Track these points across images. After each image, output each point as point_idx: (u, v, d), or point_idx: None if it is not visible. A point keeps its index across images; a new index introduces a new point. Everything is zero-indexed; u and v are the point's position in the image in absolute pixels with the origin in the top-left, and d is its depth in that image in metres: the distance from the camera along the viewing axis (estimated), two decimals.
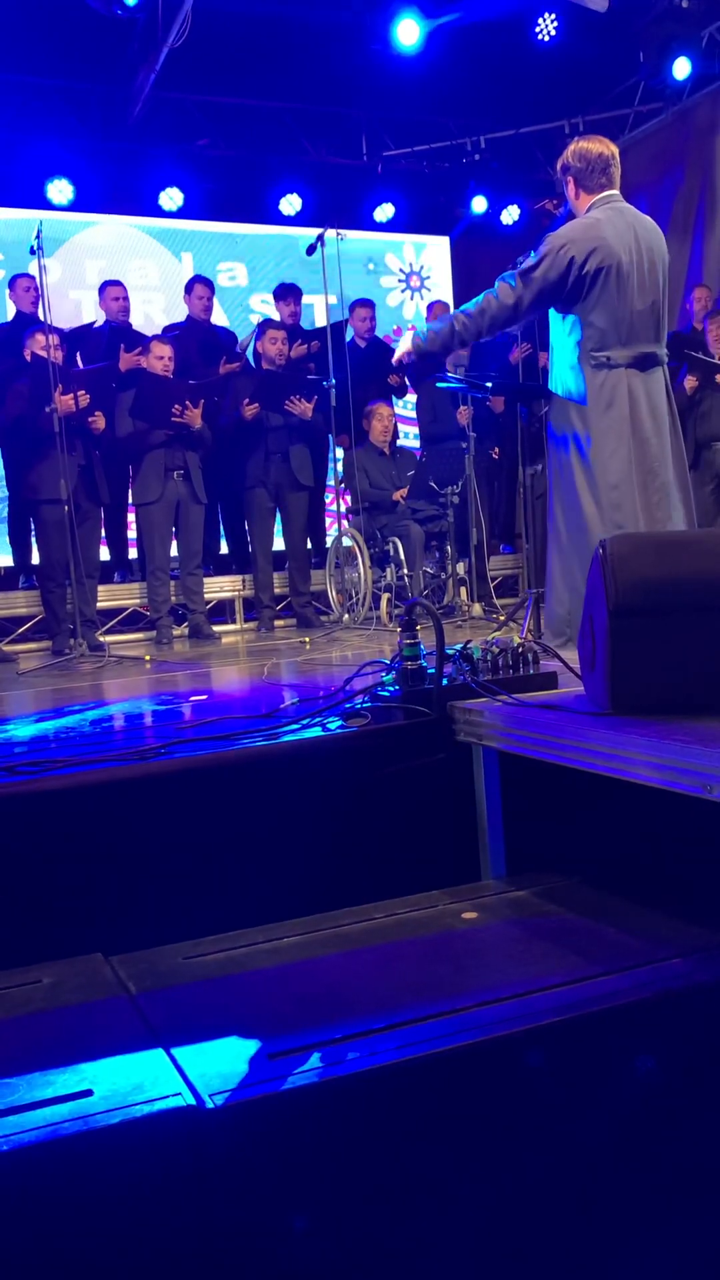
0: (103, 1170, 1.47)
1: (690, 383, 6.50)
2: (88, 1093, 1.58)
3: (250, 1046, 1.73)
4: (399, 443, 7.12)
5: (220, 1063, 1.67)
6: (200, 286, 7.03)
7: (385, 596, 6.18)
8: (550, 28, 7.16)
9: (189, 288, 7.06)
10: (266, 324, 6.80)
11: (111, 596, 6.65)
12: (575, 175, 3.75)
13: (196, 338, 6.85)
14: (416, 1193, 1.64)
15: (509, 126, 8.56)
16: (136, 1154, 1.49)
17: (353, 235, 7.16)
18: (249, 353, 6.91)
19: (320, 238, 6.21)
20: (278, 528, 6.63)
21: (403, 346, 3.97)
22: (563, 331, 3.74)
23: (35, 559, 6.18)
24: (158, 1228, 1.49)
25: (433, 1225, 1.64)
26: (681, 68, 7.38)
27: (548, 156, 8.67)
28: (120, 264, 7.97)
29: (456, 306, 8.99)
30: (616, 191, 3.75)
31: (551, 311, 3.78)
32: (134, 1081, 1.61)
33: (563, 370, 3.76)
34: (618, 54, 7.71)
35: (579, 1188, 1.74)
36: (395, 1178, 1.63)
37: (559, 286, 3.62)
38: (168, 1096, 1.55)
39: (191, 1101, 1.55)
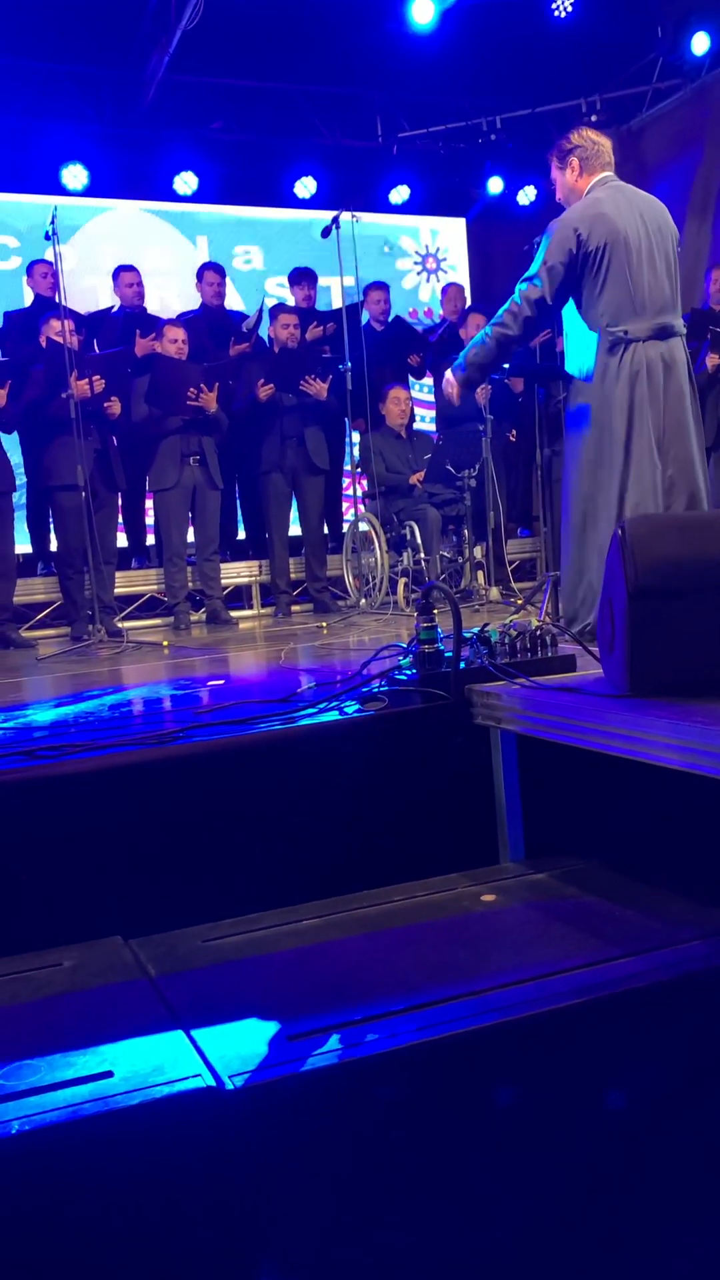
0: (123, 1151, 1.48)
1: (713, 360, 6.43)
2: (108, 1074, 1.59)
3: (270, 1028, 1.74)
4: (416, 426, 7.08)
5: (240, 1044, 1.68)
6: (210, 273, 7.01)
7: (402, 580, 6.16)
8: (566, 4, 7.07)
9: (200, 275, 7.04)
10: (278, 308, 6.77)
11: (129, 582, 6.66)
12: (582, 156, 3.83)
13: (209, 323, 6.83)
14: (436, 1174, 1.64)
15: (525, 106, 8.46)
16: (156, 1135, 1.50)
17: (368, 218, 7.11)
18: (263, 334, 6.88)
19: (335, 220, 6.17)
20: (294, 512, 6.62)
21: (447, 390, 4.01)
22: (576, 311, 3.72)
23: (53, 545, 6.20)
24: (177, 1208, 1.50)
25: (451, 1207, 1.65)
26: (700, 43, 7.28)
27: (564, 136, 8.57)
28: (135, 249, 7.94)
29: (473, 288, 8.93)
30: (613, 174, 3.82)
31: None
32: (154, 1063, 1.62)
33: (579, 350, 3.74)
34: (635, 30, 7.61)
35: (598, 1171, 1.74)
36: (414, 1159, 1.63)
37: (571, 267, 3.64)
38: (188, 1078, 1.56)
39: (211, 1083, 1.56)
